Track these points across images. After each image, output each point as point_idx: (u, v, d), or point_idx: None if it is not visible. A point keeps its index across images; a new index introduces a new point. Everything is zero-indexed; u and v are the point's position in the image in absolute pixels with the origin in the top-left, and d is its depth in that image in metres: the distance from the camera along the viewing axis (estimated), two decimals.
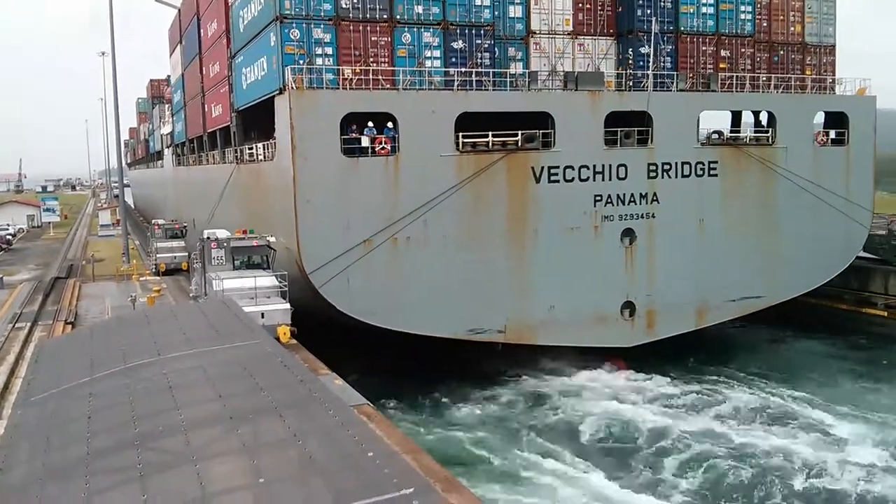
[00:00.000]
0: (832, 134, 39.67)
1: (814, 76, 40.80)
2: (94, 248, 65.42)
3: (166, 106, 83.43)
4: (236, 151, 41.71)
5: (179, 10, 64.63)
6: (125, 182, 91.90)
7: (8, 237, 77.95)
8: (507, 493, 23.74)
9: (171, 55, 74.13)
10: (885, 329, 40.24)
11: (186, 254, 45.22)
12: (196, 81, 55.03)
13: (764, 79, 38.83)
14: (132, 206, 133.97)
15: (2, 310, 37.89)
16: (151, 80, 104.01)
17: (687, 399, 31.62)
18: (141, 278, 44.86)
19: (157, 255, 46.99)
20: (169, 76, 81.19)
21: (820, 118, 40.77)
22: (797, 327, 41.85)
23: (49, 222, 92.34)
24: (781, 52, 40.43)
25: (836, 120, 39.89)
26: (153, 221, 58.69)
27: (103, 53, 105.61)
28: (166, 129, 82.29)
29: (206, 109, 51.56)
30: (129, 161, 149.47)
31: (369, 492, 11.42)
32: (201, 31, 52.54)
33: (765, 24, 39.80)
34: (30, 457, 15.16)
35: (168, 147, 79.88)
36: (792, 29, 40.69)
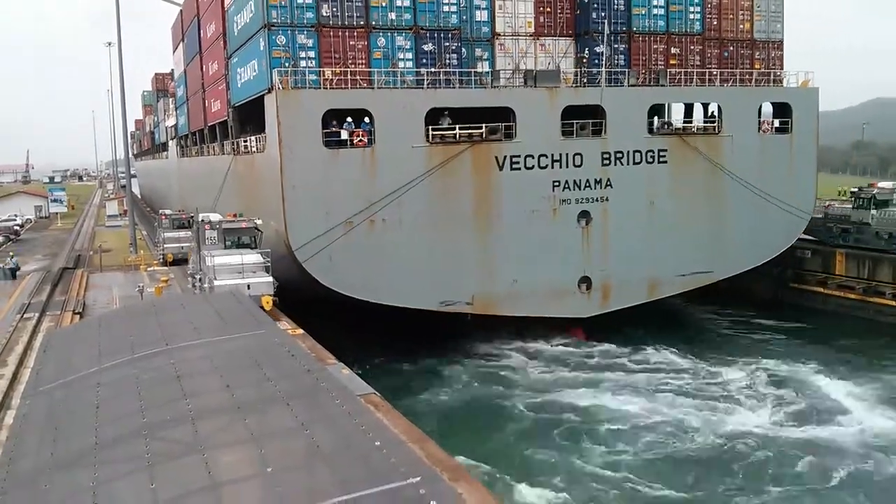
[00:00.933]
0: (776, 123, 43.35)
1: (761, 70, 44.41)
2: (102, 239, 65.34)
3: (170, 99, 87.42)
4: (233, 144, 45.67)
5: (182, 10, 68.36)
6: (132, 173, 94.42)
7: (16, 228, 78.10)
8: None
9: (174, 51, 77.96)
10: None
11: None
12: (197, 78, 58.99)
13: (713, 73, 42.46)
14: (138, 196, 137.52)
15: (10, 300, 38.23)
16: (156, 74, 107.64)
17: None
18: (148, 269, 45.22)
19: (165, 246, 47.30)
20: (173, 70, 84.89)
21: (770, 109, 44.42)
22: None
23: (56, 213, 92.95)
24: (731, 48, 44.02)
25: (781, 110, 43.53)
26: (160, 212, 59.45)
27: (109, 44, 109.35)
28: (170, 122, 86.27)
29: (207, 104, 55.53)
30: (135, 152, 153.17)
31: (376, 481, 11.49)
32: (201, 31, 56.43)
33: (715, 23, 43.41)
34: (38, 447, 15.19)
35: (172, 139, 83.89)
36: (741, 26, 44.28)
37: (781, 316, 44.16)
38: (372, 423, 14.32)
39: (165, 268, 44.93)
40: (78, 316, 32.89)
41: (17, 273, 44.47)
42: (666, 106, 44.92)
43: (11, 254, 37.26)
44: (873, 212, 44.95)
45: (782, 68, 45.43)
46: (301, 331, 25.87)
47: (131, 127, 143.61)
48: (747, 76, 43.54)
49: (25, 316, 33.06)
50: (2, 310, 35.70)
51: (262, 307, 27.70)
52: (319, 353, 22.66)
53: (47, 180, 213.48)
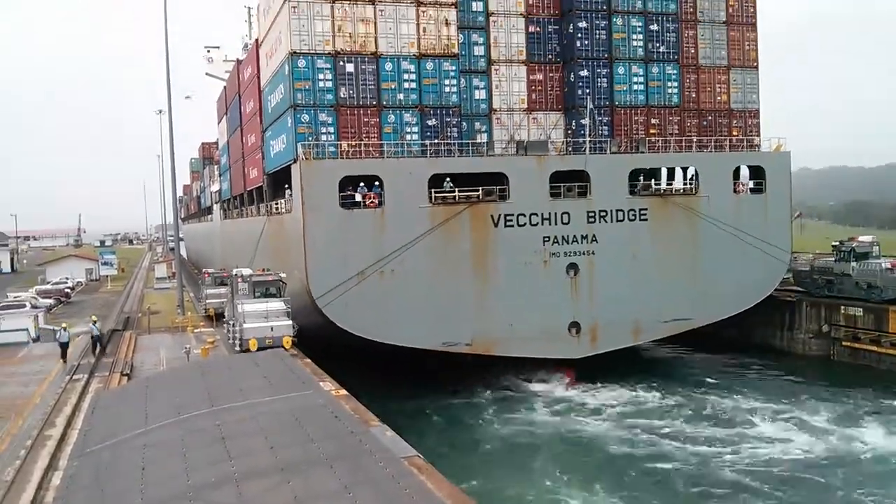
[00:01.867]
0: (751, 184, 48.00)
1: (737, 136, 49.31)
2: (150, 301, 67.01)
3: (215, 167, 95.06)
4: (267, 206, 51.70)
5: (225, 86, 75.87)
6: (180, 235, 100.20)
7: (67, 290, 79.39)
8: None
9: (218, 123, 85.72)
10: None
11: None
12: (238, 148, 65.80)
13: (690, 140, 47.48)
14: (185, 258, 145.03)
15: (60, 362, 38.53)
16: (203, 144, 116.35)
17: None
18: (195, 330, 46.16)
19: (207, 301, 51.01)
20: (217, 140, 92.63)
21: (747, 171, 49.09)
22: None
23: (107, 275, 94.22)
24: (710, 117, 49.16)
25: (756, 172, 48.21)
26: (203, 270, 65.63)
27: (160, 111, 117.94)
28: (215, 187, 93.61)
29: (246, 171, 62.06)
30: (182, 216, 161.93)
31: None
32: (241, 107, 63.37)
33: (693, 95, 48.72)
34: None
35: (216, 203, 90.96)
36: (719, 98, 49.50)
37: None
38: (415, 486, 14.25)
39: (212, 329, 46.10)
40: (126, 377, 33.65)
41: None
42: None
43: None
44: (853, 264, 48.64)
45: (759, 135, 50.31)
46: (344, 392, 26.14)
47: (179, 192, 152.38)
48: (724, 142, 48.44)
49: (74, 377, 33.72)
50: (52, 371, 36.49)
51: (288, 349, 32.96)
52: (363, 414, 22.59)
53: (98, 244, 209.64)
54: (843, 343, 46.79)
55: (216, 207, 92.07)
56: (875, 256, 48.01)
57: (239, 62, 64.91)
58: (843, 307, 47.11)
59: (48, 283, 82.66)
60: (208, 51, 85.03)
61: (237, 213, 71.19)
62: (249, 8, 75.39)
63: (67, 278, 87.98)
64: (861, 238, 52.08)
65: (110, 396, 28.03)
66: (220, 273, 54.60)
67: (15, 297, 63.39)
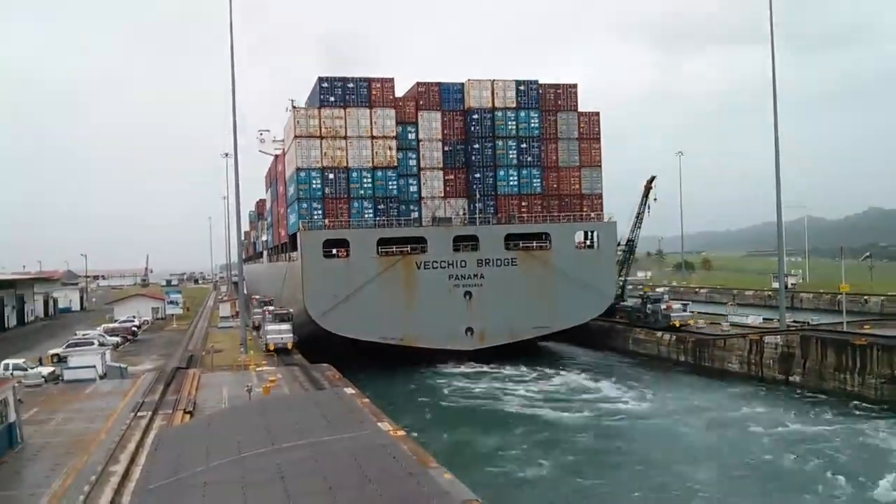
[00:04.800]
0: (587, 242, 75.40)
1: (586, 212, 76.66)
2: (214, 339, 70.51)
3: (265, 221, 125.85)
4: (287, 256, 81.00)
5: (272, 162, 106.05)
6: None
7: (133, 329, 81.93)
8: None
9: (266, 190, 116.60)
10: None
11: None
12: (275, 213, 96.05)
13: (546, 216, 75.09)
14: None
15: (125, 399, 39.85)
16: (257, 201, 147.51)
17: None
18: (257, 369, 48.50)
19: (267, 337, 62.38)
20: (266, 200, 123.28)
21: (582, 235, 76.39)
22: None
23: (172, 314, 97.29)
24: (567, 200, 76.73)
25: (591, 235, 75.63)
26: (263, 308, 74.90)
27: (226, 155, 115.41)
28: (264, 237, 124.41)
29: (278, 230, 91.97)
30: (243, 258, 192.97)
31: None
32: (277, 186, 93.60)
33: (555, 186, 76.44)
34: None
35: (266, 249, 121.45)
36: (574, 187, 77.17)
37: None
38: None
39: (273, 368, 49.63)
40: (189, 415, 34.16)
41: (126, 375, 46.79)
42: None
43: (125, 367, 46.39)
44: (649, 305, 75.16)
45: (602, 211, 77.56)
46: (402, 432, 26.41)
47: (242, 237, 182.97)
48: (577, 216, 75.93)
49: (139, 414, 34.62)
50: (117, 408, 37.35)
51: (290, 348, 61.33)
52: (421, 455, 22.35)
53: (165, 283, 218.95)
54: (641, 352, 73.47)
55: (265, 253, 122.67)
56: (662, 301, 74.51)
57: (275, 157, 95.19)
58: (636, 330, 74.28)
59: (116, 321, 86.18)
60: (261, 133, 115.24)
61: (275, 258, 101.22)
62: (292, 100, 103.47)
63: (134, 317, 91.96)
64: (658, 288, 78.64)
65: (173, 434, 28.15)
66: (282, 310, 67.49)
67: (84, 335, 66.75)
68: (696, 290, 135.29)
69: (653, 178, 78.25)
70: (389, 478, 18.17)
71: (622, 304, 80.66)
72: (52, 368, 51.41)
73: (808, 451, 38.78)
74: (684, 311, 72.30)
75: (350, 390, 36.30)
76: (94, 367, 48.50)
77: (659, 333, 70.83)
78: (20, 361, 50.49)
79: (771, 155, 60.92)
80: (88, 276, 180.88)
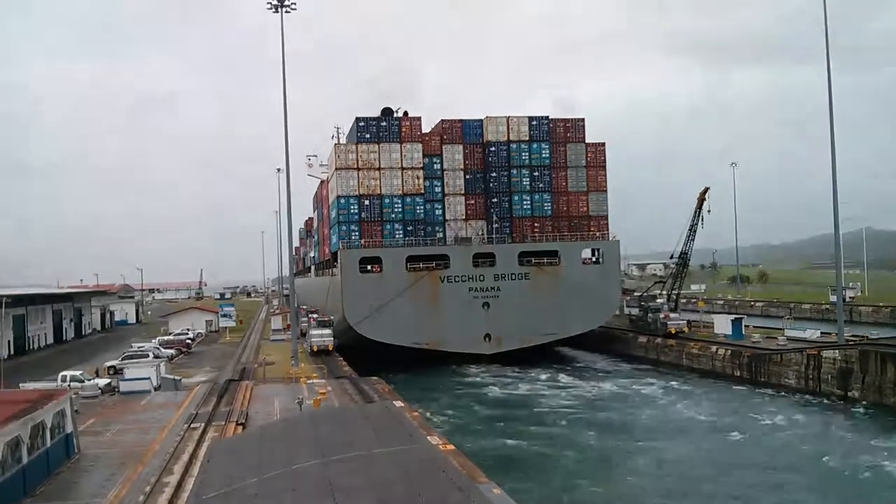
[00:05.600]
0: (594, 259, 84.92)
1: (593, 232, 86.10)
2: (266, 352, 71.32)
3: (312, 239, 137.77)
4: (330, 271, 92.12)
5: (318, 186, 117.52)
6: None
7: (188, 341, 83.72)
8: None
9: (313, 210, 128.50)
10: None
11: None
12: (321, 232, 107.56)
13: (556, 235, 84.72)
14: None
15: (179, 410, 39.95)
16: (306, 219, 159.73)
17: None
18: (308, 381, 48.81)
19: (311, 340, 72.68)
20: (313, 219, 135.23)
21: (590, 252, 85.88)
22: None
23: (225, 327, 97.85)
24: (575, 221, 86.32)
25: (597, 252, 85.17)
26: (309, 315, 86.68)
27: (279, 170, 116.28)
28: (312, 253, 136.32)
29: (323, 248, 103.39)
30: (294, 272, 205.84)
31: None
32: (322, 208, 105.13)
33: (565, 209, 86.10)
34: None
35: (313, 264, 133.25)
36: (581, 209, 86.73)
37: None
38: None
39: (323, 381, 50.41)
40: (241, 427, 34.42)
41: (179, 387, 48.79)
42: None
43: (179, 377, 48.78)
44: (650, 315, 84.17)
45: (608, 230, 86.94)
46: (452, 446, 26.53)
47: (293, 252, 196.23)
48: (584, 236, 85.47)
49: (192, 426, 34.87)
50: (171, 420, 37.63)
51: (331, 350, 72.29)
52: (470, 470, 22.60)
53: (218, 296, 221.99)
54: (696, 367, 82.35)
55: (313, 268, 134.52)
56: (661, 310, 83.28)
57: (322, 183, 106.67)
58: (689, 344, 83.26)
59: (170, 334, 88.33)
60: (308, 158, 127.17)
61: (321, 273, 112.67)
62: (338, 127, 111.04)
63: (188, 329, 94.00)
64: (658, 300, 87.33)
65: (226, 445, 28.42)
66: (324, 318, 79.16)
67: (139, 348, 68.23)
68: (752, 303, 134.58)
69: (706, 190, 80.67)
70: (439, 492, 18.12)
71: (628, 312, 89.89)
72: (108, 380, 52.51)
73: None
74: (680, 319, 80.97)
75: (399, 403, 36.60)
76: (149, 378, 49.50)
77: (714, 348, 69.89)
78: (77, 373, 51.64)
79: (828, 166, 60.02)
80: (144, 290, 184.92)
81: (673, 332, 78.70)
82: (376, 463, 20.66)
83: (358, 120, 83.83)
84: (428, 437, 26.38)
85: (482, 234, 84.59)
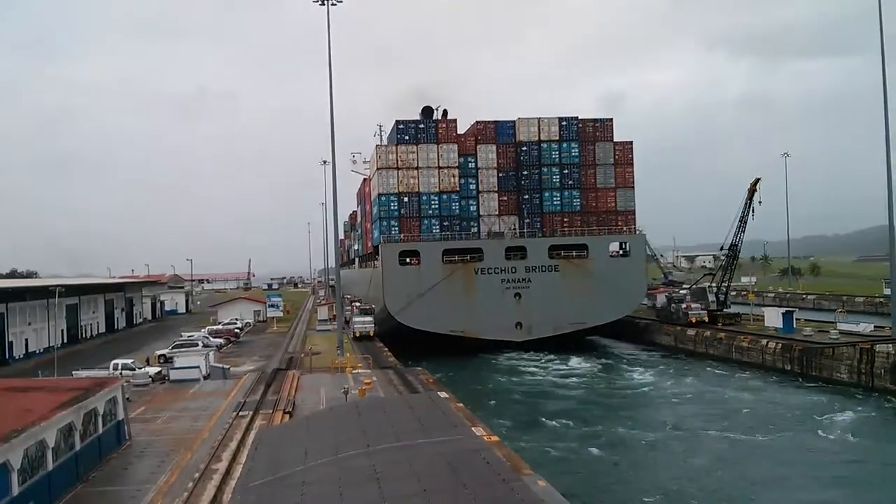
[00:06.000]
0: (621, 252, 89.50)
1: (620, 227, 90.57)
2: (312, 342, 71.73)
3: (356, 233, 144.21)
4: (373, 263, 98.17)
5: (361, 184, 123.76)
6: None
7: (236, 331, 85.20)
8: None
9: (357, 205, 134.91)
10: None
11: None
12: (364, 226, 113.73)
13: (584, 229, 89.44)
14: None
15: (227, 399, 40.16)
16: (350, 213, 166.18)
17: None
18: (353, 371, 49.01)
19: (354, 326, 80.00)
20: (356, 213, 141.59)
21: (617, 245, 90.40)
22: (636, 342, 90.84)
23: (273, 317, 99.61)
24: (603, 216, 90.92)
25: (623, 246, 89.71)
26: (352, 303, 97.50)
27: (325, 162, 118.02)
28: (356, 246, 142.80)
29: (365, 241, 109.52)
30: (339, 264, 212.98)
31: None
32: (365, 204, 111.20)
33: (593, 204, 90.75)
34: None
35: (357, 256, 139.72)
36: (609, 205, 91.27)
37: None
38: None
39: (369, 370, 50.79)
40: (288, 415, 34.69)
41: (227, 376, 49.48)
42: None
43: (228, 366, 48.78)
44: (673, 305, 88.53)
45: (635, 224, 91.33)
46: (496, 437, 26.71)
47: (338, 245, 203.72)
48: (612, 230, 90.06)
49: (240, 414, 35.30)
50: (219, 408, 37.98)
51: (373, 336, 78.33)
52: (515, 461, 22.55)
53: (266, 287, 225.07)
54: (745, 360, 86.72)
55: (357, 260, 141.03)
56: (684, 301, 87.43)
57: (365, 179, 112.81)
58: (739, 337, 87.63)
59: (219, 323, 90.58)
60: (353, 155, 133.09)
61: (364, 265, 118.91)
62: (380, 125, 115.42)
63: (237, 319, 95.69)
64: (681, 291, 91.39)
65: (273, 433, 28.56)
66: (366, 306, 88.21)
67: (188, 337, 69.01)
68: (804, 296, 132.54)
69: (757, 181, 78.13)
70: (483, 483, 18.21)
71: (654, 304, 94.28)
72: (158, 368, 53.48)
73: None
74: (701, 309, 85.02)
75: (443, 394, 36.62)
76: (199, 367, 50.00)
77: (764, 341, 69.26)
78: (129, 361, 52.78)
79: (882, 156, 59.02)
80: (193, 280, 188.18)
81: (693, 321, 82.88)
82: (421, 453, 20.88)
83: (398, 122, 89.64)
84: (472, 428, 26.54)
85: (514, 229, 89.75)
